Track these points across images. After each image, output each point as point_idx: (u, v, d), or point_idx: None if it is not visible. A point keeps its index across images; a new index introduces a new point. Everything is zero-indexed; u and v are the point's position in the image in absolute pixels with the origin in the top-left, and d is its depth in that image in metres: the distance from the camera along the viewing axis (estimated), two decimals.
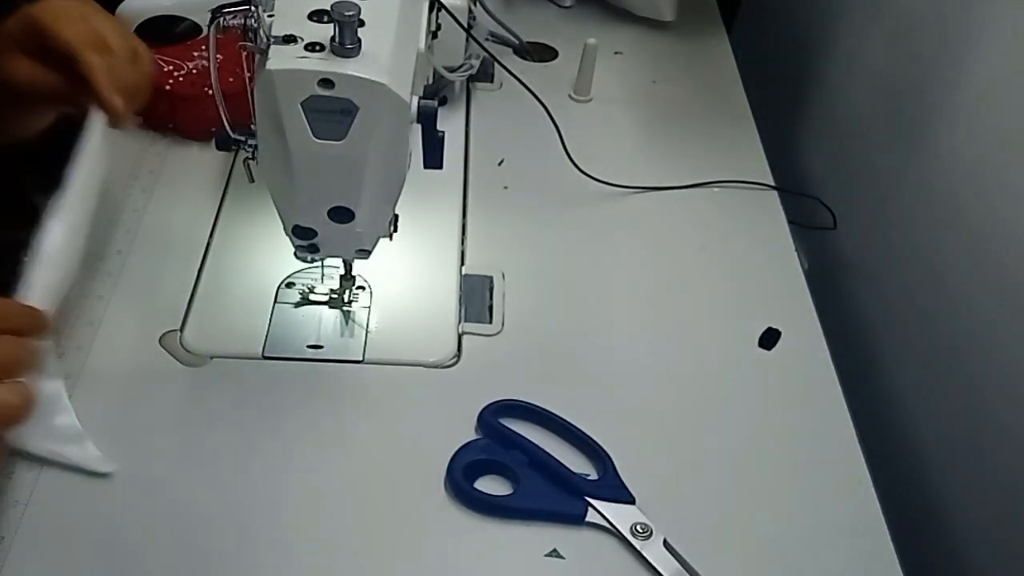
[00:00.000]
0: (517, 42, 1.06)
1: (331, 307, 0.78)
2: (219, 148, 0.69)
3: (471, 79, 1.00)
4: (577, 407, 0.72)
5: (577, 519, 0.65)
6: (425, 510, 0.66)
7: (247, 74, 0.66)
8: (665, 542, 0.64)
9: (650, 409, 0.74)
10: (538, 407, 0.71)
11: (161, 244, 0.82)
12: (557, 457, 0.68)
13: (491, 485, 0.67)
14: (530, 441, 0.69)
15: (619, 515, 0.65)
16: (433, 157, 0.66)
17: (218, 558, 0.62)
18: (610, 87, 1.04)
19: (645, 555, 0.64)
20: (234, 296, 0.78)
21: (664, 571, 0.63)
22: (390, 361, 0.75)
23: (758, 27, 1.30)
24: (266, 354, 0.75)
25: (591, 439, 0.70)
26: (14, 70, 0.65)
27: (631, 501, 0.66)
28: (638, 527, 0.65)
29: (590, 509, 0.66)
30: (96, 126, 0.65)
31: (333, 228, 0.67)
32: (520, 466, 0.68)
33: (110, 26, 0.65)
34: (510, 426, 0.70)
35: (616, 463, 0.68)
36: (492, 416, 0.70)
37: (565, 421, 0.71)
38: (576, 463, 0.69)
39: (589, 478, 0.68)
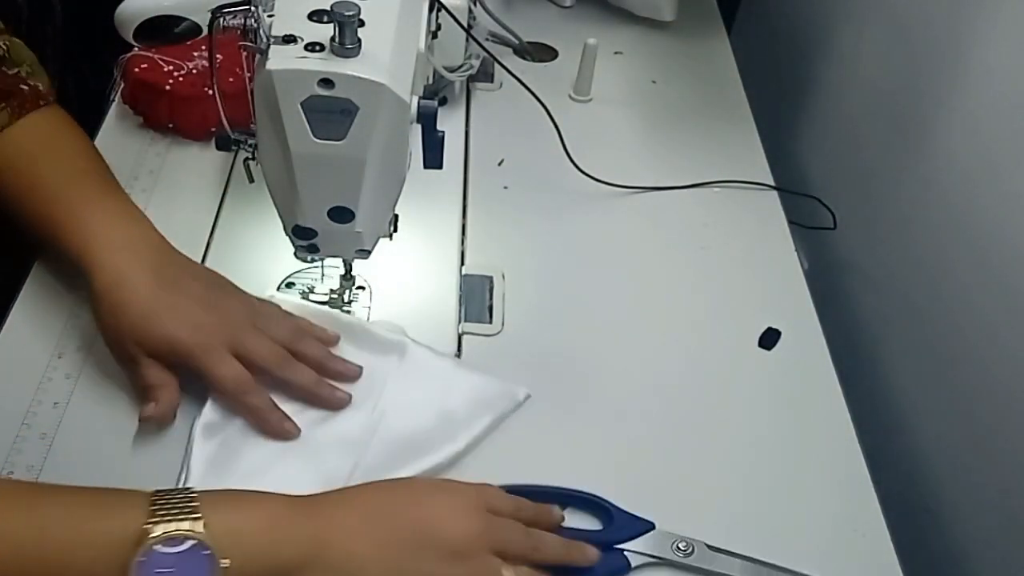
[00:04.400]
0: (517, 42, 1.06)
1: (331, 307, 0.78)
2: (219, 148, 0.69)
3: (471, 79, 1.00)
4: (577, 407, 0.72)
5: (624, 569, 0.63)
6: None
7: (247, 74, 0.66)
8: (708, 547, 0.64)
9: (650, 409, 0.74)
10: (527, 486, 0.66)
11: None
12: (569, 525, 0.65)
13: None
14: None
15: (653, 544, 0.64)
16: (433, 157, 0.66)
17: None
18: (610, 87, 1.04)
19: (704, 567, 0.63)
20: None
21: (730, 571, 0.63)
22: None
23: (758, 27, 1.30)
24: None
25: (584, 493, 0.66)
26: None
27: (652, 527, 0.65)
28: (679, 546, 0.64)
29: (626, 553, 0.63)
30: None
31: (333, 228, 0.67)
32: None
33: (259, 345, 0.68)
34: None
35: (615, 464, 0.68)
36: None
37: (555, 488, 0.66)
38: (582, 522, 0.66)
39: (602, 530, 0.65)
